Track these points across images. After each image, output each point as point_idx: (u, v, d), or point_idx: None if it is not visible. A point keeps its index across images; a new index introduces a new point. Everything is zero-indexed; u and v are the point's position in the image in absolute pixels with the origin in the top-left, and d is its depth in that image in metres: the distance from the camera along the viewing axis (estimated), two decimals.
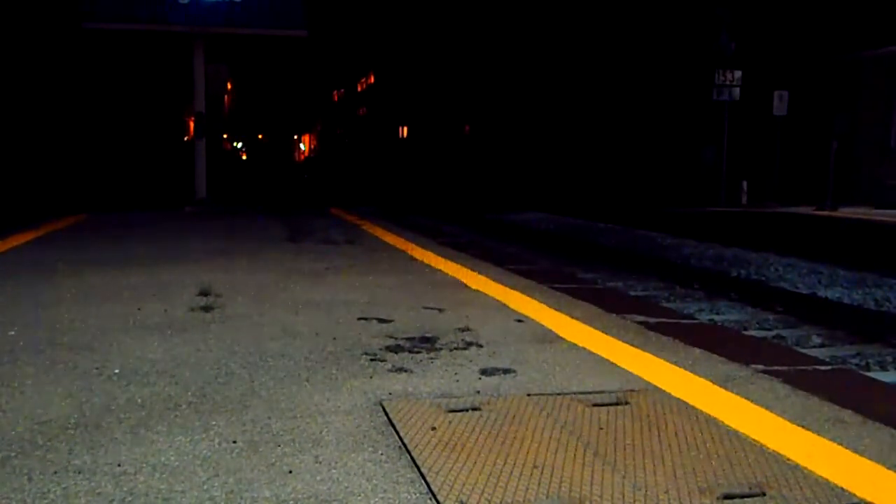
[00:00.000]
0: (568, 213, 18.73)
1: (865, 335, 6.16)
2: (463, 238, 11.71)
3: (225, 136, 44.21)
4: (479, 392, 2.91)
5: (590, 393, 2.90)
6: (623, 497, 2.04)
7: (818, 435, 2.50)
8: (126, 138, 21.44)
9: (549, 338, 3.74)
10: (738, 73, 20.55)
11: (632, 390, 2.93)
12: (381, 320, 4.07)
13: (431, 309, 4.36)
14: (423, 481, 2.12)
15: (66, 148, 19.69)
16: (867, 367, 5.40)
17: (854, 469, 2.24)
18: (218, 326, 3.91)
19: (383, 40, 49.50)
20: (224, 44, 16.06)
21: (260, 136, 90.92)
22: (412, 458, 2.27)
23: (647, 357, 3.41)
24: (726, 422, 2.61)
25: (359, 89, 63.30)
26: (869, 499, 2.05)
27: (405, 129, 48.15)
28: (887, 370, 5.37)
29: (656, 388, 2.97)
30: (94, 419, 2.58)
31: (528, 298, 4.72)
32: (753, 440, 2.45)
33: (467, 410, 2.69)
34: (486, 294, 4.87)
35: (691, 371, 3.21)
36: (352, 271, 5.76)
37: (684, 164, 24.36)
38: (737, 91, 20.56)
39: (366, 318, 4.11)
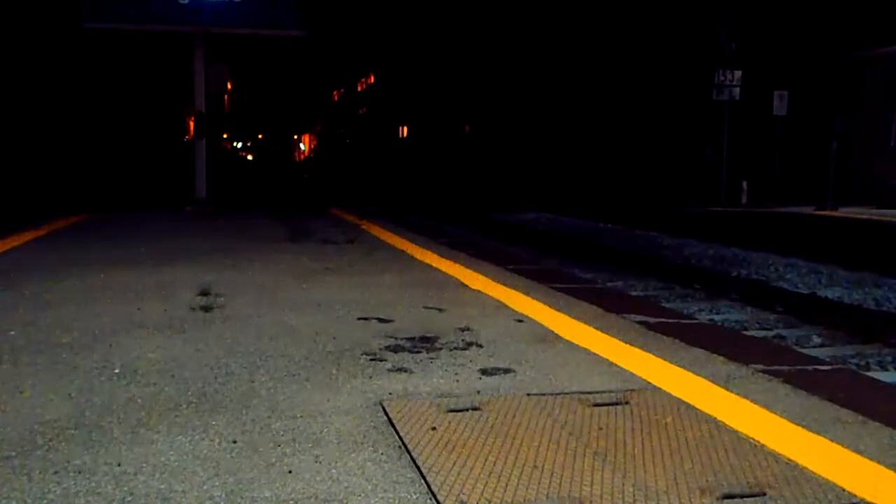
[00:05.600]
0: (568, 213, 18.73)
1: (865, 335, 6.16)
2: (463, 238, 11.72)
3: (225, 135, 44.23)
4: (479, 392, 2.91)
5: (590, 393, 2.90)
6: (623, 497, 2.04)
7: (818, 435, 2.50)
8: (126, 138, 21.44)
9: (549, 338, 3.74)
10: (738, 73, 20.56)
11: (632, 390, 2.93)
12: (381, 320, 4.07)
13: (431, 309, 4.36)
14: (423, 481, 2.12)
15: (67, 148, 19.69)
16: (867, 367, 5.40)
17: (854, 469, 2.24)
18: (218, 326, 3.91)
19: (383, 40, 49.50)
20: (224, 44, 16.05)
21: (260, 136, 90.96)
22: (412, 458, 2.27)
23: (648, 357, 3.41)
24: (726, 422, 2.61)
25: (359, 89, 63.31)
26: (869, 499, 2.05)
27: (405, 129, 48.15)
28: (887, 370, 5.36)
29: (656, 388, 2.97)
30: (94, 419, 2.58)
31: (528, 298, 4.72)
32: (753, 440, 2.45)
33: (467, 410, 2.68)
34: (486, 294, 4.86)
35: (691, 371, 3.21)
36: (352, 271, 5.76)
37: (684, 163, 24.36)
38: (737, 91, 20.56)
39: (366, 318, 4.11)
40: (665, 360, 3.37)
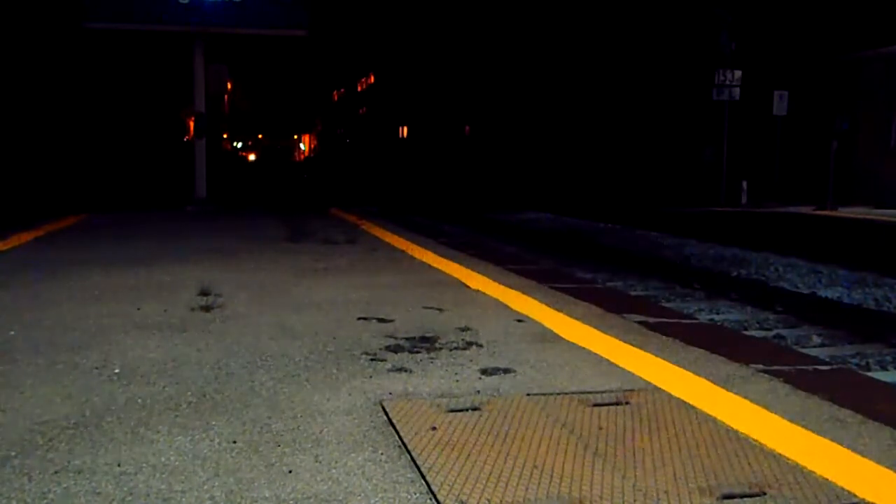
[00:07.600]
0: (568, 213, 18.72)
1: (865, 335, 6.15)
2: (463, 238, 11.71)
3: (225, 136, 44.22)
4: (479, 392, 2.91)
5: (590, 393, 2.90)
6: (623, 497, 2.04)
7: (818, 435, 2.50)
8: (126, 138, 21.45)
9: (548, 338, 3.74)
10: (738, 73, 20.57)
11: (632, 390, 2.93)
12: (381, 320, 4.07)
13: (431, 309, 4.36)
14: (423, 481, 2.12)
15: (67, 148, 19.69)
16: (867, 367, 5.39)
17: (854, 469, 2.24)
18: (218, 326, 3.91)
19: (383, 40, 49.51)
20: (224, 44, 16.06)
21: (260, 136, 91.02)
22: (412, 458, 2.27)
23: (647, 357, 3.41)
24: (726, 422, 2.61)
25: (359, 89, 63.34)
26: (869, 499, 2.05)
27: (405, 129, 48.16)
28: (887, 370, 5.36)
29: (656, 388, 2.97)
30: (94, 419, 2.58)
31: (528, 298, 4.72)
32: (753, 440, 2.45)
33: (467, 410, 2.68)
34: (486, 294, 4.86)
35: (691, 371, 3.21)
36: (352, 271, 5.76)
37: (684, 163, 24.38)
38: (737, 91, 20.57)
39: (366, 318, 4.11)
40: (665, 360, 3.37)
